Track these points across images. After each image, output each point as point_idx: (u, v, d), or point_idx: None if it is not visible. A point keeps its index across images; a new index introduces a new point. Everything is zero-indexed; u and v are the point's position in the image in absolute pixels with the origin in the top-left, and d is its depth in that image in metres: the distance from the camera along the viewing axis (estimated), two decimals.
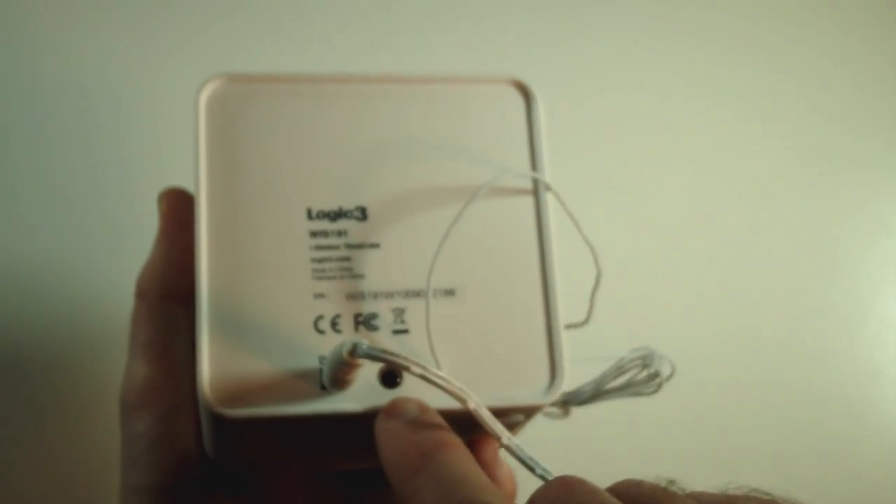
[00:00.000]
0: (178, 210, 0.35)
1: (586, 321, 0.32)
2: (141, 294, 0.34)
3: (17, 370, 0.43)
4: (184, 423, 0.33)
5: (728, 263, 0.59)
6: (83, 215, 0.46)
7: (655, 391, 0.33)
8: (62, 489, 0.42)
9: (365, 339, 0.28)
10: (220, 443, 0.31)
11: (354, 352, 0.27)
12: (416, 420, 0.28)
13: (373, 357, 0.27)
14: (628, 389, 0.34)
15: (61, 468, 0.42)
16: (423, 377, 0.27)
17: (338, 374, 0.28)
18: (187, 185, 0.36)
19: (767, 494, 0.27)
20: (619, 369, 0.34)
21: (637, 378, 0.34)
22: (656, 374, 0.33)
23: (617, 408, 0.53)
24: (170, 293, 0.34)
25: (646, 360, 0.33)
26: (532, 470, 0.27)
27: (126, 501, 0.33)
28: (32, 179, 0.46)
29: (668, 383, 0.54)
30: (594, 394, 0.33)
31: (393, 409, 0.28)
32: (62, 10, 0.49)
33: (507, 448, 0.28)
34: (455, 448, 0.27)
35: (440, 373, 0.27)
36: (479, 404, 0.28)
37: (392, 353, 0.27)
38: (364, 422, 0.28)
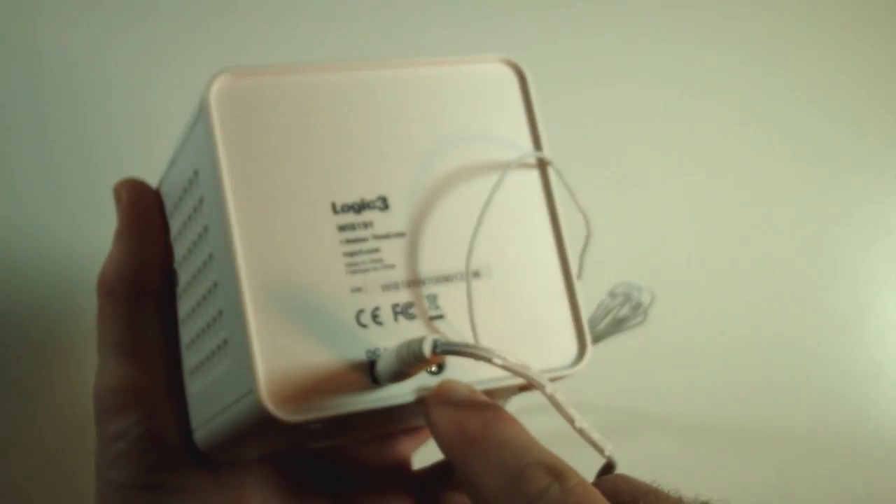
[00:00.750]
0: (140, 202, 0.34)
1: (578, 278, 0.33)
2: (106, 292, 0.33)
3: (12, 351, 0.43)
4: (165, 419, 0.32)
5: (728, 264, 0.59)
6: (83, 210, 0.46)
7: (643, 320, 0.34)
8: (55, 467, 0.42)
9: (438, 334, 0.28)
10: (241, 443, 0.30)
11: (436, 349, 0.27)
12: (469, 399, 0.28)
13: (453, 352, 0.27)
14: (618, 326, 0.35)
15: (52, 445, 0.42)
16: (503, 367, 0.27)
17: (408, 371, 0.28)
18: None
19: None
20: (605, 311, 0.35)
21: (621, 314, 0.35)
22: (639, 304, 0.34)
23: (617, 412, 0.54)
24: (139, 289, 0.33)
25: (627, 296, 0.35)
26: (601, 451, 0.28)
27: (107, 499, 0.32)
28: (33, 174, 0.46)
29: (665, 383, 0.54)
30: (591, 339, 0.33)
31: (444, 392, 0.28)
32: (63, 6, 0.49)
33: (580, 431, 0.28)
34: (513, 420, 0.27)
35: (519, 361, 0.28)
36: (556, 389, 0.28)
37: (472, 346, 0.27)
38: (410, 408, 0.29)
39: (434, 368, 0.29)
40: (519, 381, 0.29)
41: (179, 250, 0.34)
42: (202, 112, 0.30)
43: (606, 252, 0.54)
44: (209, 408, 0.31)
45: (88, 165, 0.47)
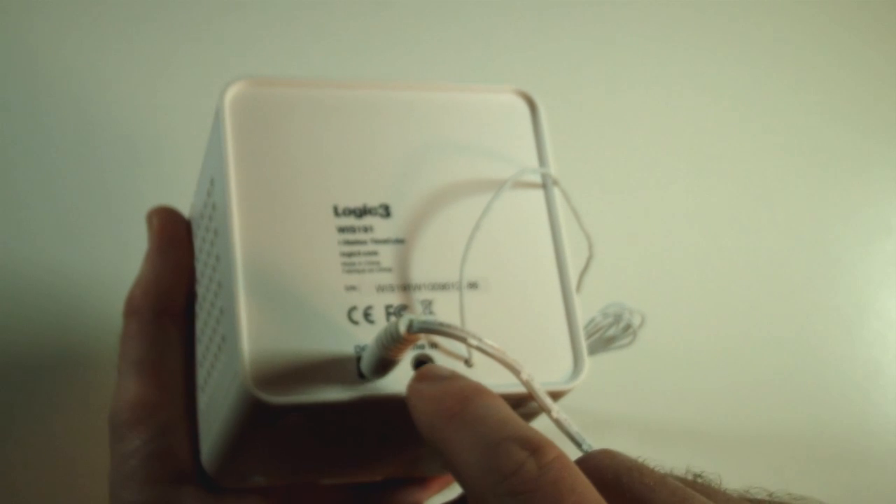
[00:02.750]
0: (170, 227, 0.35)
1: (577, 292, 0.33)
2: (132, 312, 0.34)
3: (24, 372, 0.43)
4: (178, 439, 0.33)
5: (728, 264, 0.59)
6: (86, 218, 0.46)
7: (632, 342, 0.35)
8: (66, 489, 0.42)
9: (414, 315, 0.28)
10: (235, 446, 0.31)
11: (411, 327, 0.27)
12: (449, 378, 0.28)
13: (429, 330, 0.27)
14: (606, 345, 0.35)
15: (63, 469, 0.42)
16: (478, 348, 0.28)
17: (388, 355, 0.28)
18: (190, 187, 0.36)
19: (792, 495, 0.28)
20: (595, 329, 0.36)
21: (610, 333, 0.36)
22: (629, 326, 0.35)
23: (618, 413, 0.54)
24: (163, 310, 0.34)
25: (618, 316, 0.36)
26: (579, 445, 0.28)
27: None
28: (35, 184, 0.46)
29: (666, 385, 0.54)
30: None
31: (425, 372, 0.28)
32: (64, 13, 0.49)
33: (557, 421, 0.28)
34: (493, 396, 0.27)
35: (494, 344, 0.28)
36: (531, 376, 0.28)
37: (448, 325, 0.27)
38: (396, 415, 0.29)
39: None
40: (514, 388, 0.29)
41: (198, 266, 0.35)
42: (216, 116, 0.31)
43: (605, 252, 0.55)
44: (211, 420, 0.32)
45: (90, 168, 0.47)
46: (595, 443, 0.28)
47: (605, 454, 0.27)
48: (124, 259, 0.36)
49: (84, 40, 0.48)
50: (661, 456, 0.53)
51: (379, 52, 0.54)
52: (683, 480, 0.27)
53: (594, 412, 0.52)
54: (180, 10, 0.51)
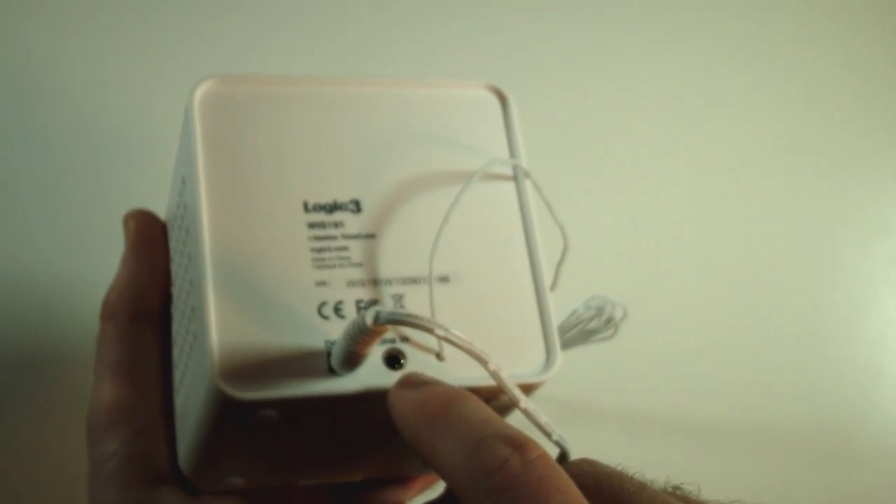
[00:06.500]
0: (146, 230, 0.35)
1: (552, 289, 0.33)
2: (108, 315, 0.34)
3: (22, 376, 0.43)
4: (156, 442, 0.33)
5: (727, 264, 0.59)
6: (76, 219, 0.46)
7: (613, 334, 0.35)
8: (63, 494, 0.42)
9: (381, 306, 0.28)
10: (210, 446, 0.31)
11: (378, 318, 0.27)
12: (431, 383, 0.28)
13: (396, 321, 0.27)
14: (587, 337, 0.35)
15: (61, 473, 0.42)
16: (445, 338, 0.28)
17: (356, 348, 0.28)
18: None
19: None
20: (576, 320, 0.36)
21: (591, 326, 0.36)
22: (610, 319, 0.35)
23: (618, 413, 0.54)
24: (139, 312, 0.34)
25: (599, 309, 0.36)
26: (548, 436, 0.28)
27: None
28: (27, 184, 0.46)
29: (667, 384, 0.54)
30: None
31: (407, 380, 0.28)
32: (59, 14, 0.49)
33: (525, 412, 0.28)
34: (474, 398, 0.27)
35: (461, 334, 0.28)
36: (499, 366, 0.28)
37: (415, 316, 0.27)
38: (368, 410, 0.29)
39: (395, 364, 0.29)
40: (485, 382, 0.29)
41: (173, 267, 0.35)
42: (185, 115, 0.31)
43: (603, 253, 0.55)
44: (185, 421, 0.32)
45: (88, 171, 0.47)
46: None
47: (585, 462, 0.27)
48: (115, 260, 0.35)
49: (80, 42, 0.49)
50: (657, 454, 0.53)
51: (368, 55, 0.54)
52: (663, 491, 0.27)
53: (578, 405, 0.52)
54: (176, 11, 0.51)
